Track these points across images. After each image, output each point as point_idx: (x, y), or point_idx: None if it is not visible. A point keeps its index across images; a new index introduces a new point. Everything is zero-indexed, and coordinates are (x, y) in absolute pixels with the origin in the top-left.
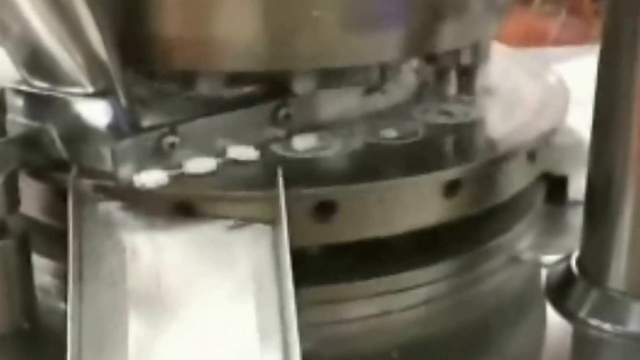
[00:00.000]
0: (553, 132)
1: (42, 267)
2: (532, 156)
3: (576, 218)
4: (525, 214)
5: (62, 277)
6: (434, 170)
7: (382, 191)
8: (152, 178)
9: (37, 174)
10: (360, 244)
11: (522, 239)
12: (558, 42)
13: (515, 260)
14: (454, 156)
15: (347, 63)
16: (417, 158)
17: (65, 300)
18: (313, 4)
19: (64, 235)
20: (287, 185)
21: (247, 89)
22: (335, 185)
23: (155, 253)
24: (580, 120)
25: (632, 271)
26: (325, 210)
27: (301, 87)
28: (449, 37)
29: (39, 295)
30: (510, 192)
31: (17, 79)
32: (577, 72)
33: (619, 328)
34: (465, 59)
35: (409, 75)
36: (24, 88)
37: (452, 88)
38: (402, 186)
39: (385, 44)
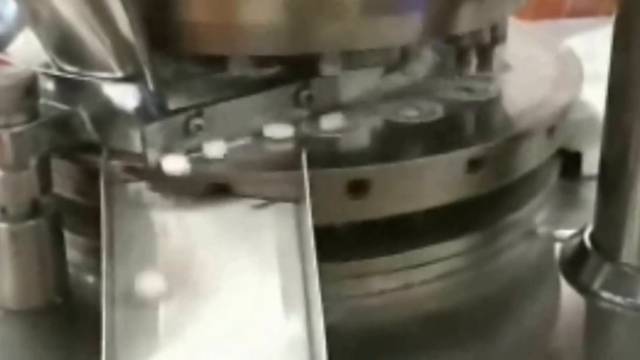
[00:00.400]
0: (570, 107)
1: (73, 243)
2: (550, 132)
3: (590, 192)
4: (541, 189)
5: (92, 252)
6: (457, 148)
7: (410, 169)
8: (181, 160)
9: (68, 155)
10: (382, 221)
11: (537, 214)
12: (574, 13)
13: (530, 234)
14: (475, 134)
15: (369, 46)
16: (439, 136)
17: (95, 275)
18: None
19: (93, 212)
20: (317, 165)
21: (271, 71)
22: (364, 164)
23: (183, 232)
24: (595, 95)
25: None
26: (356, 188)
27: (323, 68)
28: (469, 18)
29: (70, 270)
30: (529, 168)
31: (45, 62)
32: (593, 44)
33: (630, 300)
34: (485, 38)
35: (429, 54)
36: (54, 72)
37: (471, 66)
38: (428, 164)
39: (406, 27)
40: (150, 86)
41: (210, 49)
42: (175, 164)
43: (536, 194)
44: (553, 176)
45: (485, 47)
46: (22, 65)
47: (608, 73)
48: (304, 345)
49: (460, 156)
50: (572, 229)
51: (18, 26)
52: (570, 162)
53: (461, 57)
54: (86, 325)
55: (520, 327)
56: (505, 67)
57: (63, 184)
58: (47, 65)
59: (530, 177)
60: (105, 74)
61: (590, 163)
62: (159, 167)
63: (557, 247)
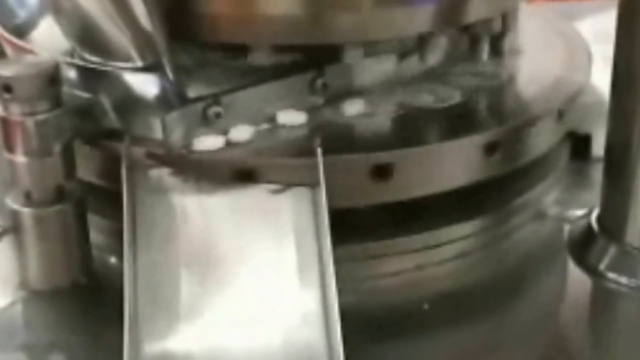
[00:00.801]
0: (580, 91)
1: (96, 226)
2: (560, 115)
3: (599, 174)
4: (552, 171)
5: (115, 234)
6: (474, 132)
7: (431, 153)
8: (207, 144)
9: (90, 141)
10: (398, 203)
11: (548, 195)
12: None
13: (541, 215)
14: (490, 118)
15: (383, 36)
16: (456, 121)
17: (118, 256)
18: None
19: (116, 195)
20: (337, 150)
21: (287, 59)
22: (386, 149)
23: (203, 216)
24: (605, 78)
25: None
26: (378, 172)
27: (338, 57)
28: (482, 7)
29: (94, 251)
30: (540, 150)
31: (67, 49)
32: (604, 26)
33: (634, 281)
34: (496, 26)
35: (443, 41)
36: (77, 61)
37: (483, 52)
38: (446, 148)
39: (419, 17)
40: (170, 75)
41: (229, 39)
42: (208, 143)
43: (547, 176)
44: (563, 158)
45: (496, 33)
46: (45, 53)
47: (613, 60)
48: (319, 320)
49: (478, 140)
50: (582, 209)
51: (40, 13)
52: (580, 144)
53: (474, 44)
54: (110, 304)
55: (530, 306)
56: (517, 52)
57: (86, 168)
58: (69, 53)
59: (541, 159)
60: (126, 64)
61: (600, 145)
62: (179, 153)
63: (567, 228)
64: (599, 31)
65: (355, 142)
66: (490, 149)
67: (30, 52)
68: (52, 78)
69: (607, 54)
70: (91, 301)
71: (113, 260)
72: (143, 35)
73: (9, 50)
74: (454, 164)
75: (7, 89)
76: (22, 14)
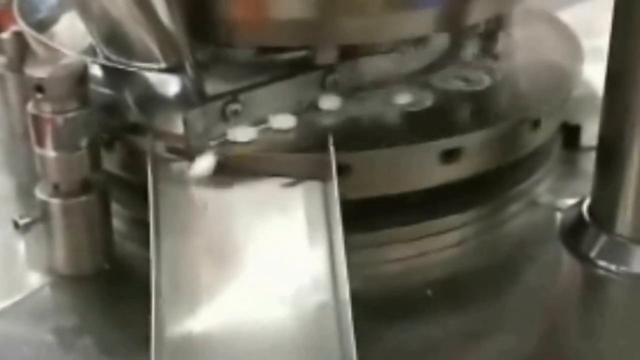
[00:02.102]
0: (574, 86)
1: (118, 214)
2: (559, 109)
3: (588, 162)
4: (545, 161)
5: (135, 223)
6: (479, 128)
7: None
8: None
9: (115, 136)
10: (402, 194)
11: (541, 184)
12: None
13: (534, 204)
14: (494, 115)
15: (388, 38)
16: (462, 117)
17: (139, 243)
18: None
19: (137, 187)
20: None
21: (299, 55)
22: (397, 145)
23: (221, 206)
24: (593, 70)
25: (637, 219)
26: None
27: (346, 55)
28: (487, 8)
29: (116, 238)
30: (536, 144)
31: (89, 46)
32: (590, 15)
33: (623, 269)
34: (494, 23)
35: (441, 38)
36: (103, 62)
37: (483, 50)
38: (457, 143)
39: (423, 19)
40: (191, 75)
41: (243, 41)
42: (204, 164)
43: (541, 166)
44: (555, 149)
45: (493, 33)
46: (68, 50)
47: (608, 52)
48: (331, 303)
49: (483, 136)
50: (574, 198)
51: (61, 8)
52: (570, 134)
53: (475, 42)
54: (130, 288)
55: (525, 291)
56: (512, 49)
57: (109, 161)
58: (92, 50)
59: (537, 150)
60: (150, 65)
61: (589, 135)
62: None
63: (559, 216)
64: (588, 19)
65: (370, 137)
66: (494, 143)
67: (54, 48)
68: (81, 78)
69: (595, 45)
70: (113, 285)
71: (133, 247)
72: (167, 38)
73: (33, 44)
74: (460, 157)
75: (40, 89)
76: (43, 10)
